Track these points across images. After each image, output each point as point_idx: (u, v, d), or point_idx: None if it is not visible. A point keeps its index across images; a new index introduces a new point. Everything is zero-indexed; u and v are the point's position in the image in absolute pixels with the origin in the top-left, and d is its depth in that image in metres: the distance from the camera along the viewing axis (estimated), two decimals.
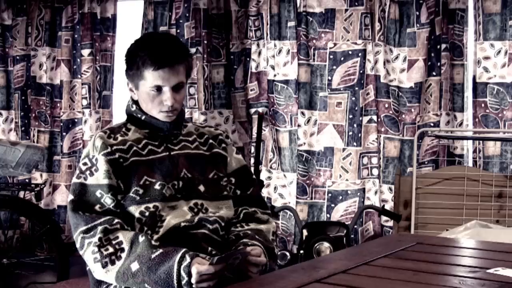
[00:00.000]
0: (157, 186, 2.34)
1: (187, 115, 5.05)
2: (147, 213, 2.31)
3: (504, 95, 4.76)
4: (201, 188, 2.42)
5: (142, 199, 2.32)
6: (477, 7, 4.78)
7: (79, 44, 5.53)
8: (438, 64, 4.85)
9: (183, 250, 2.20)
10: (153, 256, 2.19)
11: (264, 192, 5.12)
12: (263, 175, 5.13)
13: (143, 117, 2.44)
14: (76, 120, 5.61)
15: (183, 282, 2.13)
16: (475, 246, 2.72)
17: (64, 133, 5.61)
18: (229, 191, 2.52)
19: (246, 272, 2.26)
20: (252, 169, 5.08)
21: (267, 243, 2.41)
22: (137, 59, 2.35)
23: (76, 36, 5.56)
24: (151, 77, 2.34)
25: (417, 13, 4.84)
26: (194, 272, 2.12)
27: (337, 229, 4.67)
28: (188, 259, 2.15)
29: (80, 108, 5.55)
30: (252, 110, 5.21)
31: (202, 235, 2.34)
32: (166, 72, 2.33)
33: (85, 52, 5.49)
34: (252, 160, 5.12)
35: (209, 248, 2.34)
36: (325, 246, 4.21)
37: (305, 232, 4.61)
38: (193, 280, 2.12)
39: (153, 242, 2.24)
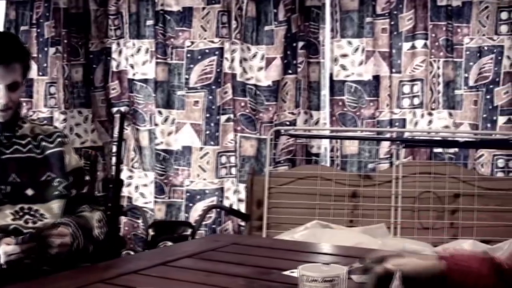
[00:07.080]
0: None
1: (46, 115, 5.01)
2: None
3: (362, 93, 4.71)
4: (29, 192, 2.39)
5: None
6: (334, 4, 4.74)
7: None
8: (295, 62, 4.80)
9: None
10: None
11: (125, 191, 5.09)
12: (124, 175, 5.09)
13: None
14: None
15: None
16: (288, 247, 2.69)
17: None
18: (63, 191, 2.46)
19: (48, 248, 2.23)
20: (114, 168, 5.06)
21: (84, 223, 2.39)
22: None
23: None
24: None
25: (275, 10, 4.79)
26: (1, 252, 2.13)
27: (182, 228, 4.67)
28: None
29: None
30: (114, 109, 5.16)
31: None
32: (0, 70, 2.28)
33: None
34: (114, 160, 5.09)
35: None
36: (169, 245, 4.21)
37: (151, 232, 4.61)
38: (1, 261, 2.13)
39: None
